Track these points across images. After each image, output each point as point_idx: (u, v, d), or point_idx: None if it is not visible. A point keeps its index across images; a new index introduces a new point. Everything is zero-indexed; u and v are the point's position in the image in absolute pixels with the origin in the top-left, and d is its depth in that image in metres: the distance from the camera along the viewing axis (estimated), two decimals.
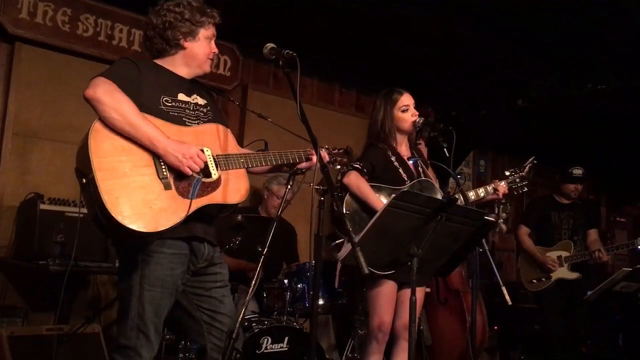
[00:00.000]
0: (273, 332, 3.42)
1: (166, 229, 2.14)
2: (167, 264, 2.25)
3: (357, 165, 3.15)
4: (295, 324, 3.67)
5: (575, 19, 4.26)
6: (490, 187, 3.37)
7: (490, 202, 3.47)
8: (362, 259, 2.04)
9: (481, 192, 3.34)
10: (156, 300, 2.24)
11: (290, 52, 2.36)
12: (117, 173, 2.11)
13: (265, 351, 3.38)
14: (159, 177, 2.19)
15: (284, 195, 2.53)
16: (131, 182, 2.12)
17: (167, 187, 2.19)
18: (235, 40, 4.89)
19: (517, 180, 3.44)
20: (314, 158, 2.51)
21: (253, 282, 2.34)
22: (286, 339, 3.46)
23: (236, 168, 2.39)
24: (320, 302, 3.72)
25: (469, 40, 4.72)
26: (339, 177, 3.15)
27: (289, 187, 2.54)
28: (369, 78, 5.77)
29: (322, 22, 4.57)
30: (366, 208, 3.11)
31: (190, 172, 2.22)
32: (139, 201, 2.10)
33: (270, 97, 5.23)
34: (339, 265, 3.59)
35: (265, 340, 3.39)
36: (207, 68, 2.53)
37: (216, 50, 2.54)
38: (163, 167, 2.20)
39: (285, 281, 3.74)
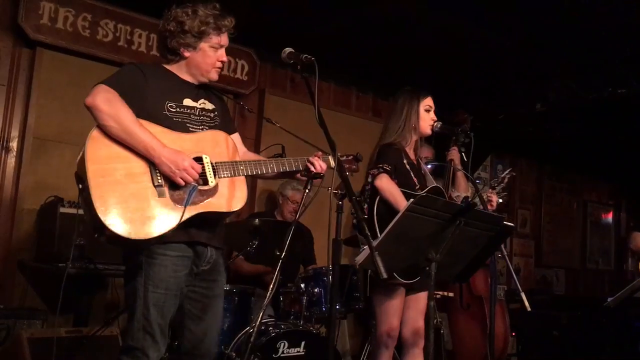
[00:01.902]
0: (290, 337, 3.41)
1: (156, 237, 2.14)
2: (171, 267, 2.26)
3: (387, 168, 3.04)
4: (312, 328, 3.66)
5: (595, 22, 4.22)
6: (486, 197, 3.31)
7: None
8: (380, 264, 2.03)
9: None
10: (160, 302, 2.24)
11: (309, 57, 2.36)
12: (110, 180, 2.13)
13: (282, 355, 3.37)
14: (153, 184, 2.19)
15: (302, 200, 2.53)
16: (124, 189, 2.14)
17: (161, 194, 2.19)
18: (252, 45, 4.91)
19: (500, 191, 3.46)
20: (317, 164, 2.48)
21: (271, 287, 2.34)
22: (303, 343, 3.44)
23: (235, 175, 2.37)
24: (337, 306, 3.71)
25: (487, 44, 4.69)
26: (369, 180, 3.08)
27: (306, 192, 2.53)
28: (386, 83, 5.76)
29: (339, 27, 4.56)
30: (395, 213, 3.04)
31: (183, 183, 2.22)
32: (130, 208, 2.12)
33: (287, 101, 5.25)
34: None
35: (282, 344, 3.38)
36: (213, 76, 2.47)
37: (224, 59, 2.47)
38: (158, 175, 2.21)
39: (302, 285, 3.73)
